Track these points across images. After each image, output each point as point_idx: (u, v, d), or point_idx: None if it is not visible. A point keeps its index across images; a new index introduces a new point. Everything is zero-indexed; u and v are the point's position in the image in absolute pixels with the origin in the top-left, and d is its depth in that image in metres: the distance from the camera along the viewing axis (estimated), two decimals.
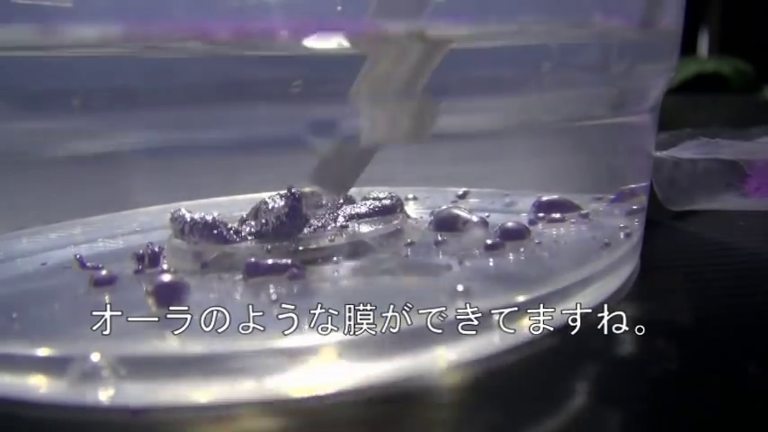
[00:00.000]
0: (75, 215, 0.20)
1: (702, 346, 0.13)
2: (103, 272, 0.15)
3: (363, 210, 0.18)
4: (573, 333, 0.14)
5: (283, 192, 0.16)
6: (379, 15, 0.14)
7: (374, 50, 0.14)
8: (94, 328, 0.12)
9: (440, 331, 0.13)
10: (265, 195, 0.17)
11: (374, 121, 0.15)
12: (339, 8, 0.14)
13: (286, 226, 0.16)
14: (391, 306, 0.13)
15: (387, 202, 0.18)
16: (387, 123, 0.15)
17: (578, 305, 0.15)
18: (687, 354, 0.13)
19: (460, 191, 0.22)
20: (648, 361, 0.13)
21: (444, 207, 0.18)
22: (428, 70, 0.14)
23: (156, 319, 0.13)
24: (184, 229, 0.16)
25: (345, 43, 0.13)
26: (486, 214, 0.18)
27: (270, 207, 0.16)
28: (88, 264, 0.16)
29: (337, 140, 0.16)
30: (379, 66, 0.14)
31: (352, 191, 0.19)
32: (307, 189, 0.18)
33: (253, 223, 0.16)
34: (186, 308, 0.13)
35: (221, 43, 0.13)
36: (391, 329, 0.12)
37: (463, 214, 0.17)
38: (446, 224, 0.17)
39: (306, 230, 0.16)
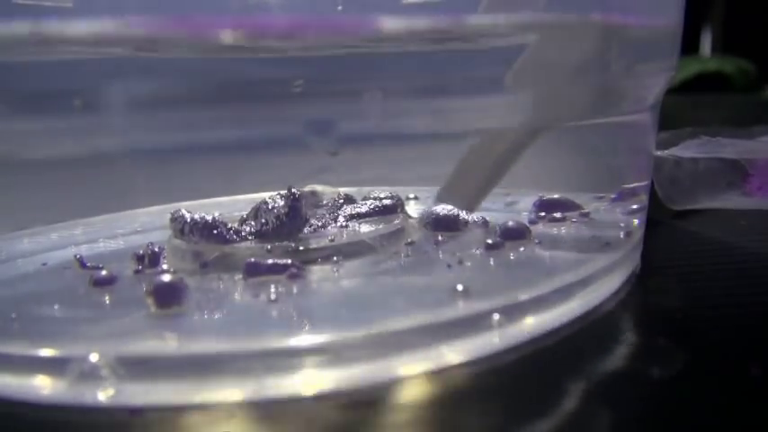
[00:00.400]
0: (75, 215, 0.20)
1: (704, 347, 0.13)
2: (103, 272, 0.15)
3: (364, 209, 0.18)
4: (573, 333, 0.14)
5: (283, 192, 0.16)
6: (492, 8, 0.14)
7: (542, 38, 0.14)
8: (93, 328, 0.12)
9: (439, 331, 0.13)
10: (266, 195, 0.17)
11: (538, 106, 0.15)
12: (339, 8, 0.14)
13: (286, 226, 0.16)
14: (391, 306, 0.13)
15: (387, 201, 0.18)
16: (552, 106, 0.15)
17: (579, 305, 0.15)
18: (688, 354, 0.13)
19: None
20: (649, 361, 0.13)
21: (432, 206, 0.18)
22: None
23: (156, 319, 0.13)
24: (184, 229, 0.16)
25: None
26: (477, 215, 0.18)
27: (270, 207, 0.16)
28: (88, 264, 0.16)
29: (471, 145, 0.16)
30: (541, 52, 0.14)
31: (353, 191, 0.19)
32: (307, 189, 0.18)
33: (253, 223, 0.16)
34: (185, 308, 0.13)
35: (222, 43, 0.13)
36: (391, 329, 0.12)
37: (462, 214, 0.17)
38: (446, 224, 0.17)
39: (306, 230, 0.17)
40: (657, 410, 0.11)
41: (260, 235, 0.16)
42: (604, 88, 0.16)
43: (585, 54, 0.15)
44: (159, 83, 0.14)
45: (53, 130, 0.14)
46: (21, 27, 0.13)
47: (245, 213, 0.17)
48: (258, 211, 0.17)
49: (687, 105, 0.59)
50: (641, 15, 0.17)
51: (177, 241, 0.16)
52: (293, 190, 0.16)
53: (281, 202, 0.16)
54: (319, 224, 0.17)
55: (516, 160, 0.17)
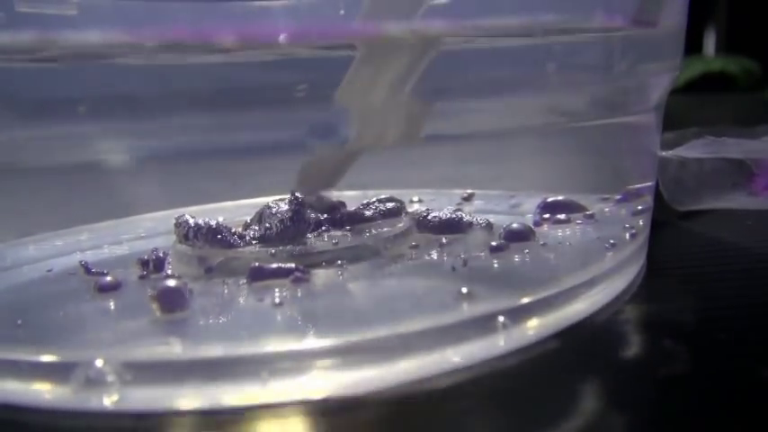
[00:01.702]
0: (80, 221, 0.20)
1: (710, 348, 0.13)
2: (108, 278, 0.15)
3: (367, 213, 0.18)
4: (579, 335, 0.14)
5: (287, 196, 0.16)
6: (372, 15, 0.14)
7: (364, 51, 0.14)
8: (98, 333, 0.12)
9: (444, 334, 0.13)
10: (269, 200, 0.17)
11: (362, 125, 0.15)
12: (342, 12, 0.14)
13: (290, 230, 0.16)
14: (396, 309, 0.13)
15: (390, 205, 0.18)
16: (375, 126, 0.15)
17: (584, 307, 0.14)
18: (695, 356, 0.13)
19: (465, 193, 0.22)
20: (655, 363, 0.13)
21: (425, 209, 0.18)
22: (417, 71, 0.14)
23: (161, 324, 0.13)
24: (188, 234, 0.16)
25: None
26: (481, 217, 0.18)
27: (274, 212, 0.16)
28: (93, 270, 0.16)
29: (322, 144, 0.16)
30: (365, 67, 0.14)
31: (356, 194, 0.19)
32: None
33: (257, 228, 0.16)
34: (190, 313, 0.13)
35: (224, 48, 0.13)
36: (396, 332, 0.12)
37: (466, 217, 0.17)
38: (450, 226, 0.17)
39: (310, 234, 0.16)
40: (665, 413, 0.11)
41: (264, 239, 0.16)
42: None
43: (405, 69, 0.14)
44: (163, 89, 0.14)
45: (57, 136, 0.14)
46: (25, 35, 0.13)
47: (248, 218, 0.17)
48: (262, 215, 0.17)
49: (691, 105, 0.59)
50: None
51: (182, 246, 0.16)
52: (297, 194, 0.16)
53: (285, 207, 0.16)
54: (323, 227, 0.17)
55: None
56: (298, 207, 0.16)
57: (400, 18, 0.14)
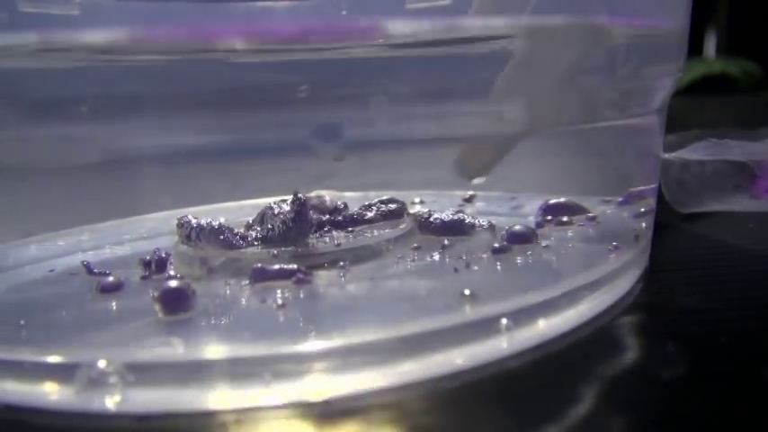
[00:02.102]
0: (83, 222, 0.20)
1: (713, 351, 0.13)
2: (110, 278, 0.15)
3: (370, 214, 0.18)
4: (582, 337, 0.14)
5: (289, 197, 0.16)
6: (481, 11, 0.14)
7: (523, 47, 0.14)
8: (101, 334, 0.12)
9: (447, 336, 0.13)
10: (272, 201, 0.17)
11: (530, 111, 0.15)
12: (344, 12, 0.14)
13: (292, 231, 0.16)
14: (398, 311, 0.13)
15: (392, 206, 0.18)
16: (542, 111, 0.15)
17: (587, 309, 0.14)
18: (698, 358, 0.13)
19: (467, 194, 0.22)
20: (658, 366, 0.13)
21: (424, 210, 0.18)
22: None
23: (163, 325, 0.13)
24: (191, 234, 0.16)
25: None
26: (483, 219, 0.18)
27: (276, 212, 0.16)
28: (96, 270, 0.16)
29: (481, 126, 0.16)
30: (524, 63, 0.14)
31: (358, 195, 0.19)
32: (313, 194, 0.18)
33: (259, 228, 0.16)
34: (192, 314, 0.13)
35: (228, 49, 0.13)
36: (398, 334, 0.12)
37: (468, 219, 0.17)
38: (452, 228, 0.17)
39: (312, 235, 0.16)
40: (668, 414, 0.11)
41: (266, 240, 0.16)
42: (593, 92, 0.16)
43: (575, 57, 0.15)
44: (165, 89, 0.14)
45: (60, 136, 0.14)
46: (28, 35, 0.13)
47: (251, 219, 0.17)
48: (264, 216, 0.17)
49: (693, 107, 0.59)
50: (648, 18, 0.17)
51: (184, 247, 0.16)
52: (299, 195, 0.16)
53: (287, 208, 0.16)
54: (326, 229, 0.17)
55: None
56: (300, 208, 0.16)
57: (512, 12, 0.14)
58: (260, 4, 0.14)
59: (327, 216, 0.18)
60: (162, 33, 0.13)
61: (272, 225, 0.16)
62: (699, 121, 0.36)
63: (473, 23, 0.15)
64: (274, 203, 0.17)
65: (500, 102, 0.15)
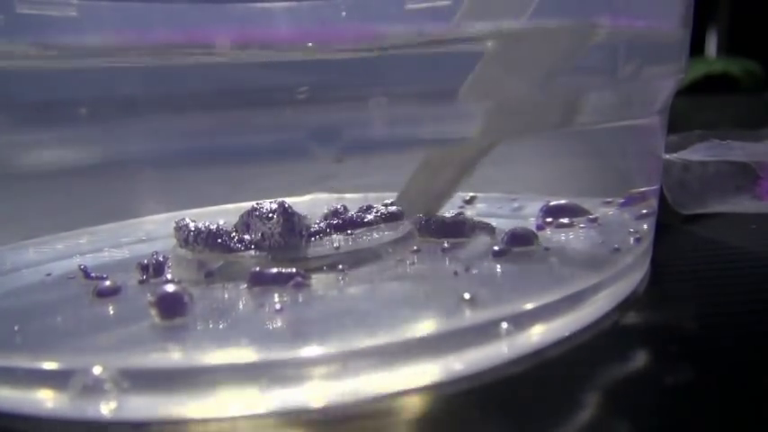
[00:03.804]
0: (80, 225, 0.20)
1: (715, 354, 0.13)
2: (107, 282, 0.15)
3: (369, 217, 0.18)
4: (583, 341, 0.13)
5: (268, 201, 0.16)
6: (469, 16, 0.14)
7: (493, 48, 0.14)
8: (97, 339, 0.12)
9: (447, 340, 0.12)
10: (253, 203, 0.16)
11: (491, 120, 0.15)
12: (343, 14, 0.14)
13: (281, 245, 0.16)
14: (397, 315, 0.13)
15: (392, 209, 0.18)
16: (507, 120, 0.15)
17: (588, 312, 0.14)
18: (700, 362, 0.13)
19: (467, 195, 0.21)
20: (660, 369, 0.12)
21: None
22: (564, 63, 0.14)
23: (160, 330, 0.13)
24: (189, 238, 0.16)
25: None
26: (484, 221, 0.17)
27: (260, 216, 0.16)
28: (93, 274, 0.16)
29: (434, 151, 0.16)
30: (493, 65, 0.14)
31: (357, 197, 0.19)
32: (307, 197, 0.18)
33: (251, 237, 0.16)
34: (189, 319, 0.13)
35: (225, 51, 0.13)
36: (397, 339, 0.12)
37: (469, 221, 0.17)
38: (452, 230, 0.17)
39: (311, 239, 0.16)
40: (670, 419, 0.11)
41: (260, 247, 0.16)
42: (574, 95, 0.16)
43: (551, 60, 0.14)
44: (163, 91, 0.14)
45: (57, 139, 0.14)
46: (25, 37, 0.13)
47: (234, 224, 0.17)
48: (249, 224, 0.16)
49: (694, 107, 0.59)
50: (649, 19, 0.17)
51: (182, 250, 0.16)
52: (286, 206, 0.16)
53: (270, 213, 0.16)
54: (324, 232, 0.17)
55: (476, 166, 0.17)
56: (287, 217, 0.16)
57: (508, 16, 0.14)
58: (259, 5, 0.14)
59: (326, 220, 0.18)
60: (160, 35, 0.13)
61: (262, 235, 0.16)
62: (700, 122, 0.36)
63: (473, 24, 0.15)
64: (254, 207, 0.16)
65: (467, 103, 0.14)
